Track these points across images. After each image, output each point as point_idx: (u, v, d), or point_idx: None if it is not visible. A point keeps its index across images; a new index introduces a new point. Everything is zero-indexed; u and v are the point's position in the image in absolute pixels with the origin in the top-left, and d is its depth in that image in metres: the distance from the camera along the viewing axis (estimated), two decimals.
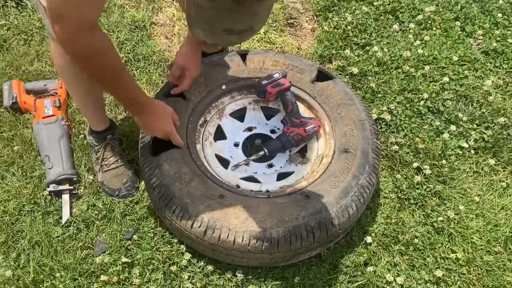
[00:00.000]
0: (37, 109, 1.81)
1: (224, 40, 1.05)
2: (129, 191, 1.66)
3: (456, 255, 1.56)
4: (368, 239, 1.59)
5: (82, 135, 1.79)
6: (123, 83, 1.25)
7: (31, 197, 1.64)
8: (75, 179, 1.68)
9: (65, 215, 1.60)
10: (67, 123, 1.79)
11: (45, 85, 1.90)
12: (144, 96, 1.36)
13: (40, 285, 1.46)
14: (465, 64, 2.10)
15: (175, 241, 1.55)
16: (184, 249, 1.53)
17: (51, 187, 1.64)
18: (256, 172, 1.63)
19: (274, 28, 2.23)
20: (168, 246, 1.55)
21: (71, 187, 1.66)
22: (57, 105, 1.81)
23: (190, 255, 1.52)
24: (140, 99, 1.34)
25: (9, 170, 1.70)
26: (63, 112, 1.83)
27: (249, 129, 1.75)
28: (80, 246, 1.54)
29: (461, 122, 1.89)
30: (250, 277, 1.49)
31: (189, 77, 1.60)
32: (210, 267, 1.50)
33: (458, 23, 2.26)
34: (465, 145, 1.83)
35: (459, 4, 2.33)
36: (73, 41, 1.06)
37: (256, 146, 1.74)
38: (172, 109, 1.49)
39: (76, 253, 1.52)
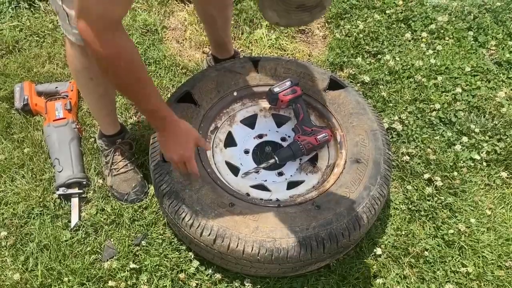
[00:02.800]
0: (48, 111, 1.81)
1: (297, 19, 1.04)
2: (138, 195, 1.66)
3: (467, 269, 1.54)
4: (378, 250, 1.58)
5: (92, 139, 1.79)
6: (145, 92, 1.20)
7: (41, 200, 1.63)
8: (84, 182, 1.67)
9: (74, 219, 1.60)
10: (77, 126, 1.79)
11: (56, 87, 1.90)
12: (167, 111, 1.28)
13: None
14: (477, 75, 2.08)
15: (184, 248, 1.55)
16: (192, 257, 1.53)
17: (61, 191, 1.63)
18: (266, 180, 1.62)
19: (285, 35, 2.22)
20: (177, 253, 1.54)
21: (80, 191, 1.65)
22: (68, 108, 1.81)
23: (198, 262, 1.51)
24: (161, 113, 1.26)
25: (19, 172, 1.70)
26: (74, 115, 1.83)
27: (260, 136, 1.74)
28: (89, 250, 1.54)
29: (473, 134, 1.87)
30: (259, 286, 1.48)
31: None
32: (218, 276, 1.49)
33: (471, 33, 2.24)
34: (477, 157, 1.81)
35: (472, 14, 2.31)
36: (97, 39, 1.03)
37: (267, 154, 1.73)
38: (198, 134, 1.39)
39: (84, 258, 1.52)
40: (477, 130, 1.88)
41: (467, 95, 2.00)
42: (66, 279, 1.47)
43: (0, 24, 2.14)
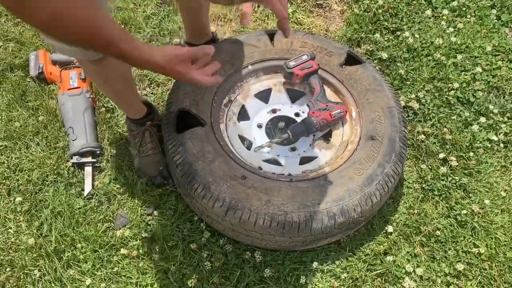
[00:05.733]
0: (63, 80, 1.81)
1: None
2: (164, 178, 1.64)
3: (479, 250, 1.53)
4: (389, 228, 1.57)
5: (105, 109, 1.79)
6: (103, 42, 0.92)
7: (55, 167, 1.65)
8: (98, 152, 1.68)
9: (87, 187, 1.62)
10: (91, 96, 1.79)
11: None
12: (136, 48, 0.97)
13: (62, 255, 1.48)
14: (498, 55, 2.03)
15: (195, 219, 1.56)
16: (203, 227, 1.54)
17: (74, 159, 1.65)
18: (278, 155, 1.61)
19: (302, 9, 2.18)
20: (188, 223, 1.55)
21: (94, 160, 1.66)
22: (82, 77, 1.81)
23: (209, 233, 1.52)
24: (131, 52, 0.96)
25: (34, 140, 1.71)
26: (88, 85, 1.83)
27: (273, 111, 1.72)
28: (101, 219, 1.56)
29: (491, 114, 1.84)
30: (269, 259, 1.49)
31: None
32: (229, 247, 1.50)
33: (494, 11, 2.17)
34: (495, 138, 1.78)
35: None
36: (25, 7, 0.78)
37: (280, 129, 1.72)
38: (191, 51, 1.08)
39: (97, 226, 1.54)
40: (495, 110, 1.84)
41: (487, 75, 1.95)
42: (79, 245, 1.49)
43: None
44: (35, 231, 1.52)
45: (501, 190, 1.67)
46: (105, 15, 0.93)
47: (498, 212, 1.62)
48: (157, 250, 1.50)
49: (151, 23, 2.05)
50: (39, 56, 1.87)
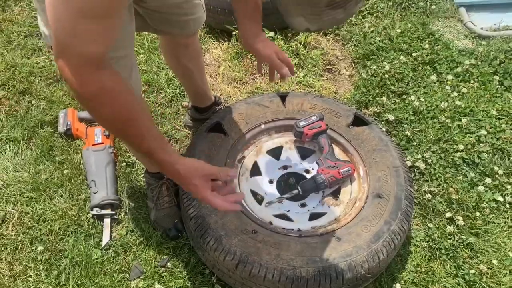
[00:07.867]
0: (88, 136, 1.94)
1: (330, 20, 0.88)
2: (179, 231, 1.70)
3: None
4: (397, 286, 1.59)
5: (126, 163, 1.90)
6: (136, 133, 1.03)
7: (76, 219, 1.74)
8: (117, 204, 1.77)
9: (105, 238, 1.69)
10: (114, 151, 1.91)
11: None
12: (164, 155, 1.07)
13: None
14: (502, 118, 2.11)
15: (207, 272, 1.60)
16: (214, 281, 1.58)
17: (95, 211, 1.73)
18: (288, 210, 1.68)
19: (313, 73, 2.32)
20: (200, 276, 1.60)
21: (113, 212, 1.75)
22: (106, 134, 1.94)
23: (220, 287, 1.56)
24: (157, 156, 1.06)
25: (58, 192, 1.81)
26: (111, 141, 1.95)
27: (284, 167, 1.80)
28: (117, 269, 1.62)
29: (496, 176, 1.89)
30: None
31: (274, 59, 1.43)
32: None
33: (496, 77, 2.29)
34: (500, 199, 1.82)
35: (498, 59, 2.36)
36: (74, 77, 0.93)
37: (290, 185, 1.79)
38: (206, 170, 1.12)
39: (113, 276, 1.59)
40: (500, 172, 1.89)
41: (491, 137, 2.02)
42: None
43: (50, 56, 2.33)
44: (53, 279, 1.58)
45: (508, 251, 1.69)
46: (144, 108, 1.04)
47: (506, 273, 1.63)
48: None
49: (173, 85, 2.20)
50: (68, 114, 2.02)
